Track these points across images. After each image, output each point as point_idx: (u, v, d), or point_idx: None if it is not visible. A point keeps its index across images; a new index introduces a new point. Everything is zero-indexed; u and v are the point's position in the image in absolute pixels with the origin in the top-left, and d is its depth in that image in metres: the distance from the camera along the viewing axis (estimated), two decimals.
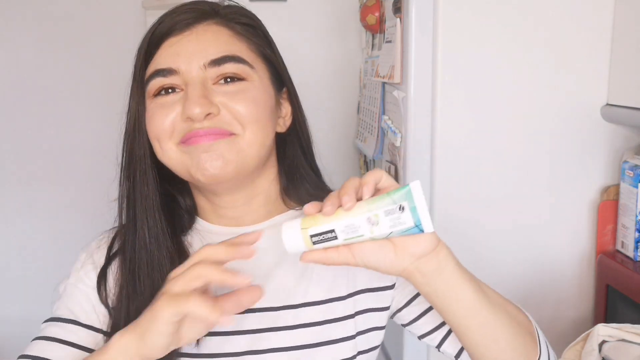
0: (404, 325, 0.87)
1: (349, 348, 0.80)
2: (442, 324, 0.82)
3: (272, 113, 0.80)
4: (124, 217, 0.80)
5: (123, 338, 0.64)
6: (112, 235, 0.83)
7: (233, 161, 0.74)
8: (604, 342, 0.96)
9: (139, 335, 0.62)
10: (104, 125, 2.29)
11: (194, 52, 0.74)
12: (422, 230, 0.61)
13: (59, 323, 0.77)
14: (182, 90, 0.75)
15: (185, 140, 0.74)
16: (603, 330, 0.97)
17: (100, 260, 0.81)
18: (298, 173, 0.86)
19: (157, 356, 0.63)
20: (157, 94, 0.75)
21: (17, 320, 2.28)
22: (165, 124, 0.74)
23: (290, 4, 1.85)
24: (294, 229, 0.64)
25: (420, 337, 0.85)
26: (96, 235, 0.85)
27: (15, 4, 2.22)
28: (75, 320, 0.77)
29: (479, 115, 1.22)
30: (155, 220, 0.78)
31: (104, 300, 0.78)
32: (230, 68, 0.75)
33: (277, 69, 0.82)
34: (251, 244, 0.63)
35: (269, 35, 0.83)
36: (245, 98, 0.75)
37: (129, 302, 0.76)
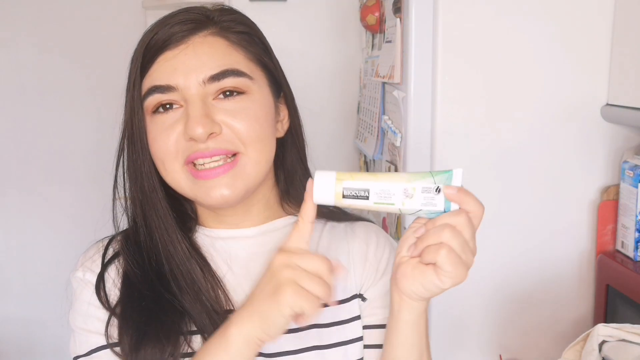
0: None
1: (359, 348, 0.80)
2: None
3: (273, 124, 0.79)
4: (127, 220, 0.81)
5: (244, 327, 0.65)
6: (105, 244, 0.82)
7: (240, 186, 0.74)
8: (604, 342, 0.96)
9: (261, 322, 0.64)
10: (104, 126, 2.30)
11: (191, 67, 0.72)
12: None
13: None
14: (181, 106, 0.74)
15: (189, 163, 0.74)
16: (603, 330, 0.97)
17: (95, 267, 0.79)
18: (297, 177, 0.85)
19: (272, 341, 0.66)
20: (156, 110, 0.74)
21: (17, 320, 2.29)
22: (169, 145, 0.73)
23: (290, 4, 1.85)
24: (329, 177, 0.61)
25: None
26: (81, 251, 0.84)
27: (15, 4, 2.22)
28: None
29: (479, 116, 1.22)
30: (168, 223, 0.79)
31: (104, 302, 0.77)
32: (229, 82, 0.73)
33: (274, 74, 0.81)
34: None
35: (266, 41, 0.81)
36: (246, 116, 0.74)
37: (142, 299, 0.76)
